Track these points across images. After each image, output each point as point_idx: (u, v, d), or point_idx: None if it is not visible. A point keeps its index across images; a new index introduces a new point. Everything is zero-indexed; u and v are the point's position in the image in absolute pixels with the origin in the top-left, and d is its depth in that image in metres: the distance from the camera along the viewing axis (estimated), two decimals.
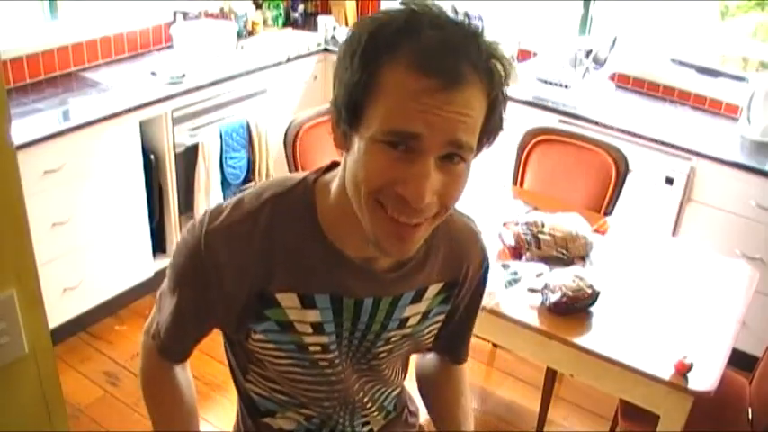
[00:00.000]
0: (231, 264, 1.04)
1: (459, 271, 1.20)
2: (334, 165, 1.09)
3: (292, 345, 1.09)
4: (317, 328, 1.09)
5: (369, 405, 1.25)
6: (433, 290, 1.17)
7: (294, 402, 1.20)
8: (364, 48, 0.90)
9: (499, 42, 0.94)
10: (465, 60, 0.88)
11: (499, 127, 0.97)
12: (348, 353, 1.14)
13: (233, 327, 1.12)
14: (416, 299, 1.15)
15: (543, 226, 2.37)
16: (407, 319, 1.15)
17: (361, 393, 1.22)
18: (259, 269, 1.05)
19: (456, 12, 0.92)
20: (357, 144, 0.93)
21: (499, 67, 0.92)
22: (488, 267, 1.28)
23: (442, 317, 1.22)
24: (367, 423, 1.28)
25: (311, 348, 1.10)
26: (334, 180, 1.04)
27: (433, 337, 1.24)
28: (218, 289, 1.06)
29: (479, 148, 0.97)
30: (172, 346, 1.21)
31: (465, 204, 1.06)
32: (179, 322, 1.16)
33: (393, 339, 1.16)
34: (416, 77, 0.87)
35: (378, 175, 0.91)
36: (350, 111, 0.92)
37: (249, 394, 1.24)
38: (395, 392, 1.31)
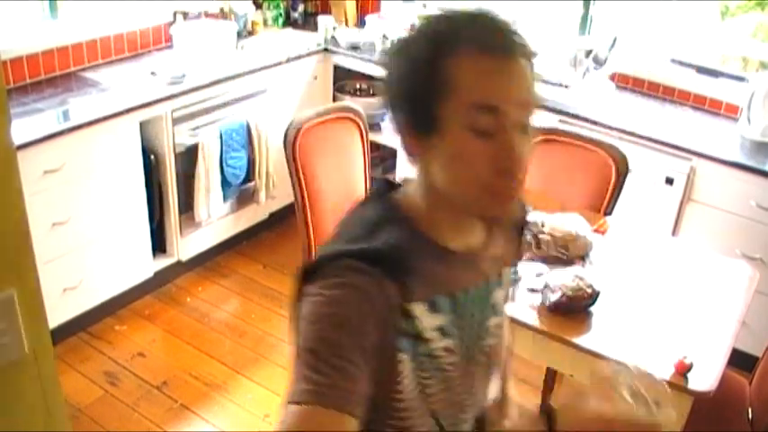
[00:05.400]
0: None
1: (519, 248, 1.28)
2: (385, 184, 1.18)
3: (425, 356, 1.09)
4: (443, 332, 1.10)
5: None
6: (507, 272, 1.24)
7: None
8: (426, 53, 1.01)
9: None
10: (511, 34, 1.03)
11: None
12: (467, 351, 1.15)
13: (384, 366, 1.05)
14: (500, 283, 1.21)
15: (543, 226, 2.37)
16: (496, 305, 1.21)
17: (484, 396, 1.23)
18: (391, 289, 1.04)
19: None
20: (440, 144, 1.03)
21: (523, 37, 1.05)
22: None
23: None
24: None
25: (438, 353, 1.10)
26: (411, 189, 1.12)
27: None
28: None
29: None
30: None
31: None
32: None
33: (492, 330, 1.20)
34: (482, 59, 1.00)
35: (478, 161, 1.01)
36: (423, 115, 1.02)
37: None
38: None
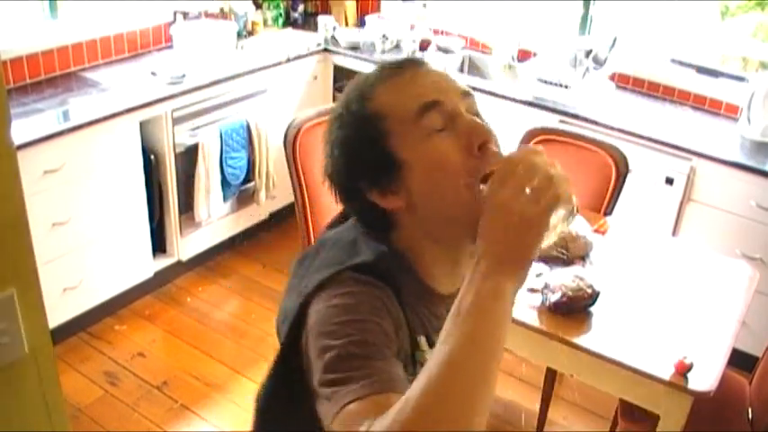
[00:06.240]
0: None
1: None
2: (341, 218, 1.18)
3: None
4: None
5: None
6: None
7: None
8: (356, 108, 1.04)
9: None
10: (414, 58, 1.09)
11: None
12: None
13: None
14: None
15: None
16: None
17: None
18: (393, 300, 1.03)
19: None
20: (411, 174, 1.01)
21: None
22: None
23: None
24: None
25: None
26: (395, 237, 1.08)
27: None
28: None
29: None
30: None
31: None
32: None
33: None
34: (395, 79, 1.04)
35: (453, 153, 1.00)
36: (383, 161, 1.02)
37: None
38: None
